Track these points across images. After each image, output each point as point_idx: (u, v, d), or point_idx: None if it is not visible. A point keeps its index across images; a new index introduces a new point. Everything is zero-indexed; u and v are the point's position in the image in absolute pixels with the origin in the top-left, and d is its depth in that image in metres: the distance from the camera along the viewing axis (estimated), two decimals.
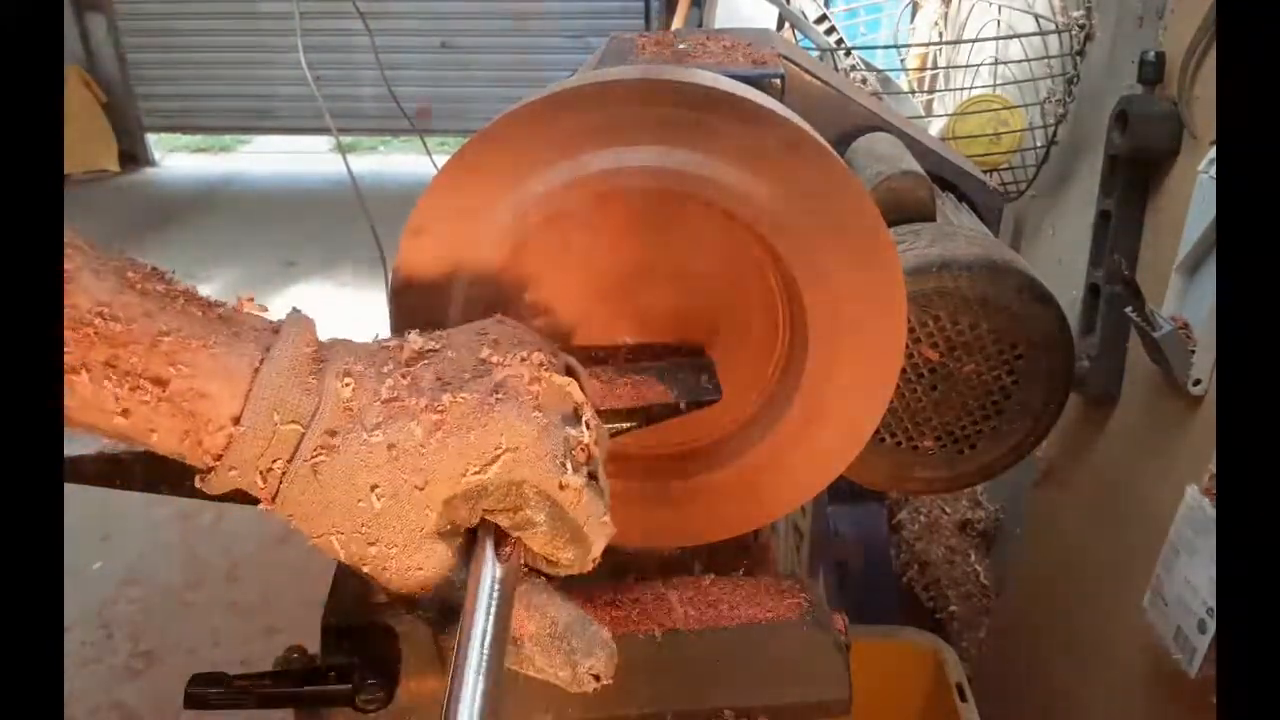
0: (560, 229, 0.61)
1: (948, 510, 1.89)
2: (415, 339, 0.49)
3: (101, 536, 2.54)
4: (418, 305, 0.60)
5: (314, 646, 0.59)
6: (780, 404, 0.64)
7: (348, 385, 0.45)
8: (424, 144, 2.14)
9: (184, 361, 0.42)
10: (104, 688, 2.10)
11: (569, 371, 0.51)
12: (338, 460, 0.44)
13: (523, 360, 0.48)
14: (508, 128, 0.57)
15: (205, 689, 0.56)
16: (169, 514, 2.62)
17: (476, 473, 0.45)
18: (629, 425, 0.57)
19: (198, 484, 0.45)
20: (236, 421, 0.43)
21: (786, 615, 0.63)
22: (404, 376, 0.47)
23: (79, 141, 5.25)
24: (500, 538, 0.47)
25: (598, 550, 0.49)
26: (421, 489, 0.45)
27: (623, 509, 0.67)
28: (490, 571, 0.46)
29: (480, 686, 0.41)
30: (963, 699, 1.15)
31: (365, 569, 0.46)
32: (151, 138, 5.86)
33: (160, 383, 0.42)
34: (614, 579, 0.74)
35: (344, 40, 4.48)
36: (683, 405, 0.59)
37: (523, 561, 0.49)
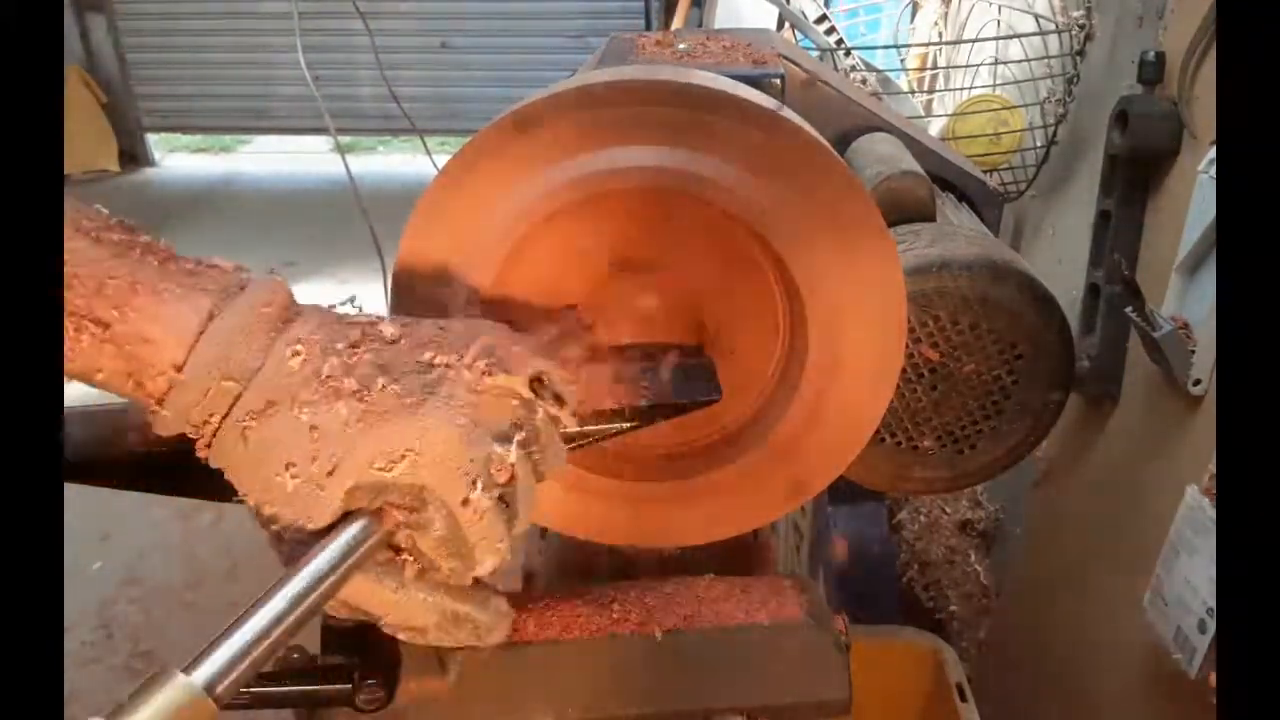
0: (561, 228, 0.61)
1: (948, 510, 1.89)
2: (378, 323, 0.49)
3: (101, 536, 2.54)
4: (418, 305, 0.60)
5: (314, 647, 0.59)
6: (780, 404, 0.64)
7: (296, 355, 0.46)
8: (424, 144, 2.14)
9: (130, 306, 0.43)
10: (104, 688, 2.10)
11: (543, 388, 0.50)
12: (264, 430, 0.45)
13: (468, 365, 0.48)
14: (507, 128, 0.57)
15: None
16: (169, 514, 2.62)
17: (381, 468, 0.44)
18: (629, 425, 0.57)
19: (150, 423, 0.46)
20: (179, 369, 0.44)
21: (787, 615, 0.63)
22: (349, 357, 0.47)
23: (79, 141, 5.24)
24: (378, 516, 0.46)
25: (484, 570, 0.48)
26: (330, 474, 0.45)
27: (622, 509, 0.67)
28: (346, 533, 0.44)
29: (270, 609, 0.41)
30: (963, 699, 1.15)
31: (267, 526, 0.47)
32: (151, 138, 5.85)
33: (103, 324, 0.43)
34: (614, 579, 0.74)
35: (344, 40, 4.48)
36: (683, 405, 0.59)
37: (396, 546, 0.48)
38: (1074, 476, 1.40)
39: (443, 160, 0.59)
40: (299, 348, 0.46)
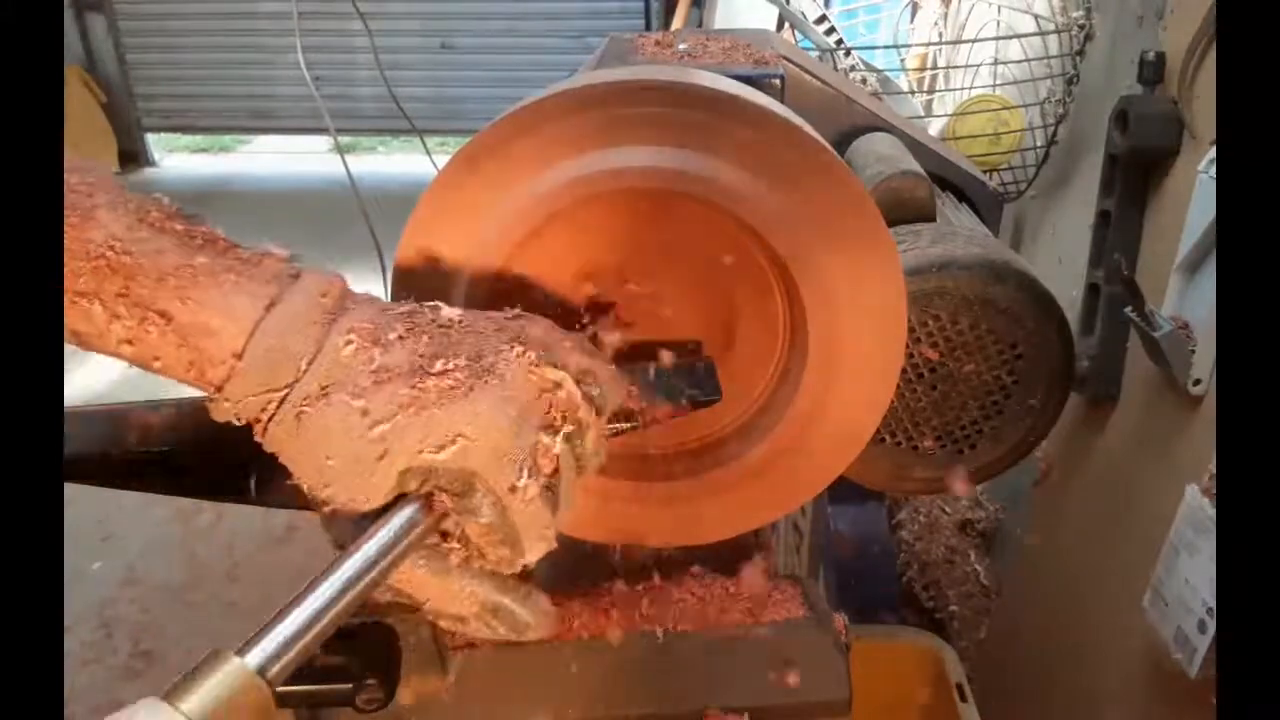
0: (561, 229, 0.61)
1: (948, 510, 1.89)
2: (433, 312, 0.50)
3: (101, 536, 2.54)
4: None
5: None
6: (780, 404, 0.64)
7: (349, 344, 0.47)
8: (424, 144, 2.14)
9: (192, 296, 0.44)
10: (104, 688, 2.10)
11: (590, 385, 0.51)
12: (318, 416, 0.46)
13: (520, 355, 0.48)
14: (508, 128, 0.57)
15: None
16: (169, 514, 2.62)
17: (431, 452, 0.45)
18: (629, 425, 0.57)
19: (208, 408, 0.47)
20: (239, 358, 0.45)
21: (787, 616, 0.63)
22: (401, 345, 0.47)
23: (79, 141, 5.24)
24: (429, 503, 0.47)
25: (531, 558, 0.49)
26: (381, 459, 0.45)
27: (623, 509, 0.67)
28: (398, 516, 0.45)
29: (323, 592, 0.41)
30: (963, 699, 1.15)
31: (322, 513, 0.47)
32: (151, 138, 5.85)
33: (166, 316, 0.44)
34: (613, 578, 0.74)
35: (343, 40, 4.48)
36: (684, 405, 0.59)
37: (444, 531, 0.48)
38: (1074, 476, 1.40)
39: (443, 160, 0.59)
40: (352, 336, 0.47)
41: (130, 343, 0.45)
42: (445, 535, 0.48)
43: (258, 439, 0.47)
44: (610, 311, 0.65)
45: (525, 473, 0.46)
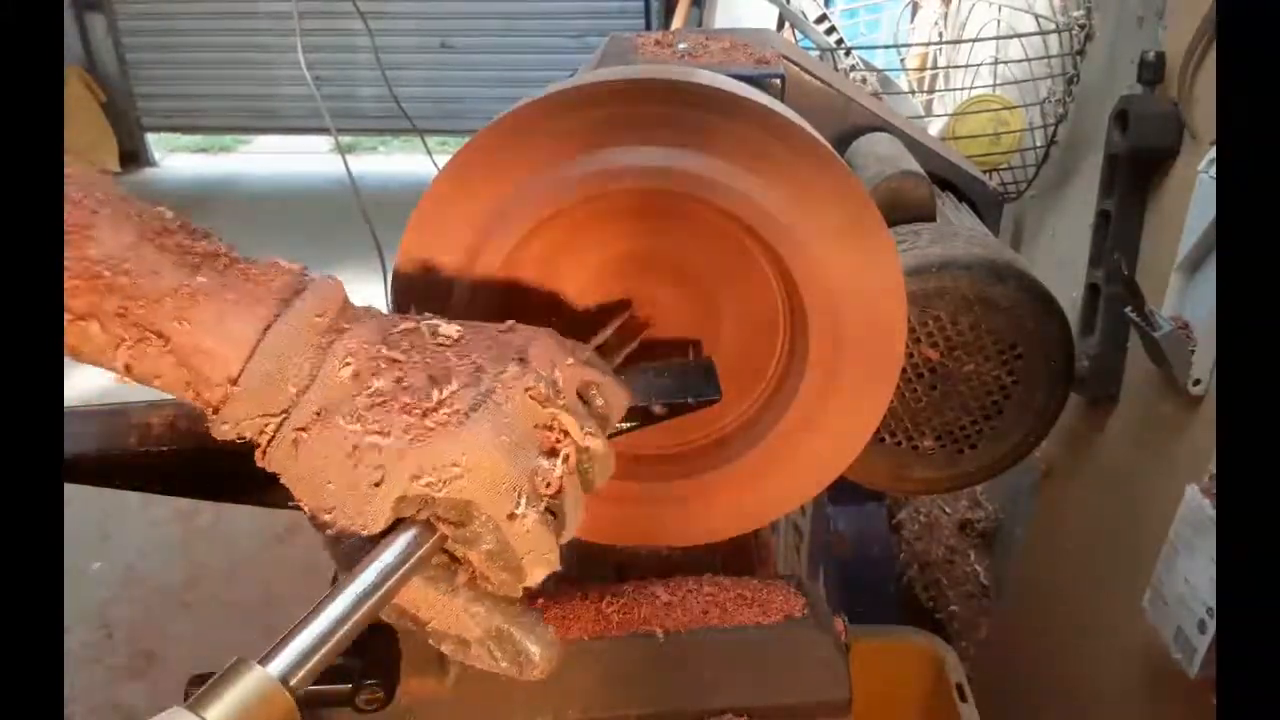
0: (562, 228, 0.61)
1: (948, 510, 1.89)
2: (436, 327, 0.50)
3: (101, 536, 2.54)
4: (418, 304, 0.60)
5: None
6: (780, 404, 0.64)
7: (347, 366, 0.46)
8: (424, 144, 2.14)
9: (189, 318, 0.44)
10: (104, 688, 2.10)
11: (593, 397, 0.51)
12: (315, 441, 0.45)
13: (516, 377, 0.48)
14: (508, 128, 0.57)
15: None
16: (169, 514, 2.62)
17: (427, 483, 0.45)
18: (628, 425, 0.57)
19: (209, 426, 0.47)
20: (235, 382, 0.45)
21: (787, 616, 0.63)
22: (398, 368, 0.47)
23: (79, 141, 5.24)
24: (427, 529, 0.46)
25: (533, 580, 0.48)
26: (378, 485, 0.45)
27: (623, 509, 0.67)
28: (400, 539, 0.45)
29: (332, 612, 0.42)
30: (963, 699, 1.15)
31: (324, 530, 0.47)
32: (151, 138, 5.85)
33: (163, 337, 0.44)
34: (615, 578, 0.74)
35: (344, 40, 4.48)
36: (684, 404, 0.59)
37: (450, 554, 0.48)
38: (1074, 476, 1.40)
39: (443, 160, 0.59)
40: (350, 360, 0.46)
41: (130, 363, 0.44)
42: (453, 556, 0.48)
43: (259, 462, 0.47)
44: (620, 313, 0.65)
45: (524, 500, 0.46)
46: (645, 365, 0.61)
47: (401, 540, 0.45)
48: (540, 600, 0.63)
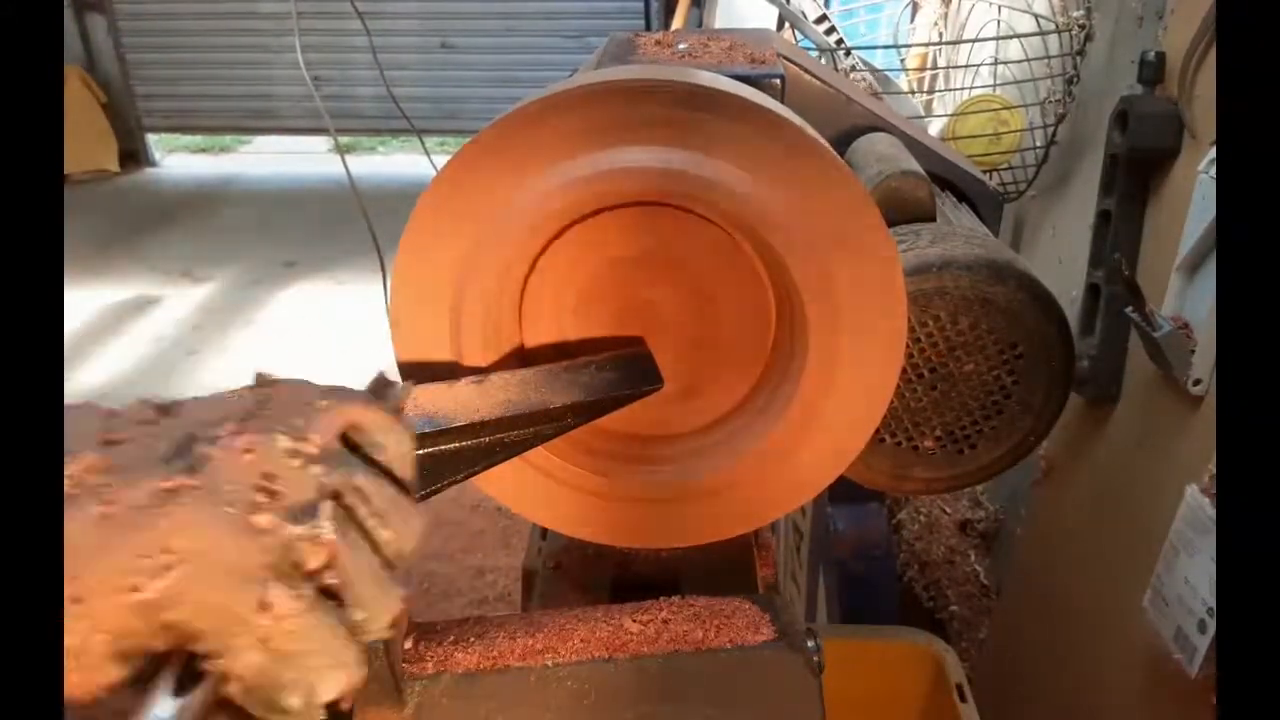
0: (560, 229, 0.61)
1: (948, 510, 1.89)
2: (141, 408, 0.40)
3: None
4: (418, 304, 0.60)
5: None
6: (780, 404, 0.64)
7: (78, 461, 0.37)
8: (423, 144, 2.14)
9: None
10: None
11: (366, 440, 0.41)
12: None
13: (235, 432, 0.38)
14: (507, 128, 0.57)
15: None
16: None
17: (135, 586, 0.34)
18: (571, 421, 0.57)
19: None
20: None
21: (757, 638, 0.61)
22: (106, 449, 0.37)
23: (79, 141, 5.24)
24: (190, 668, 0.36)
25: (335, 693, 0.37)
26: (79, 603, 0.34)
27: (621, 508, 0.67)
28: (153, 713, 0.34)
29: None
30: (963, 699, 1.15)
31: None
32: (151, 138, 5.86)
33: None
34: (614, 577, 0.74)
35: (343, 40, 4.49)
36: (623, 397, 0.58)
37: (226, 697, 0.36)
38: (1074, 476, 1.40)
39: (442, 161, 0.59)
40: (82, 455, 0.37)
41: None
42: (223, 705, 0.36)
43: None
44: (610, 310, 0.65)
45: (273, 583, 0.35)
46: (587, 359, 0.61)
47: (158, 701, 0.34)
48: (505, 628, 0.62)
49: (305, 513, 0.37)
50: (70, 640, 0.35)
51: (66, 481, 0.36)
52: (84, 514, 0.35)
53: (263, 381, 0.43)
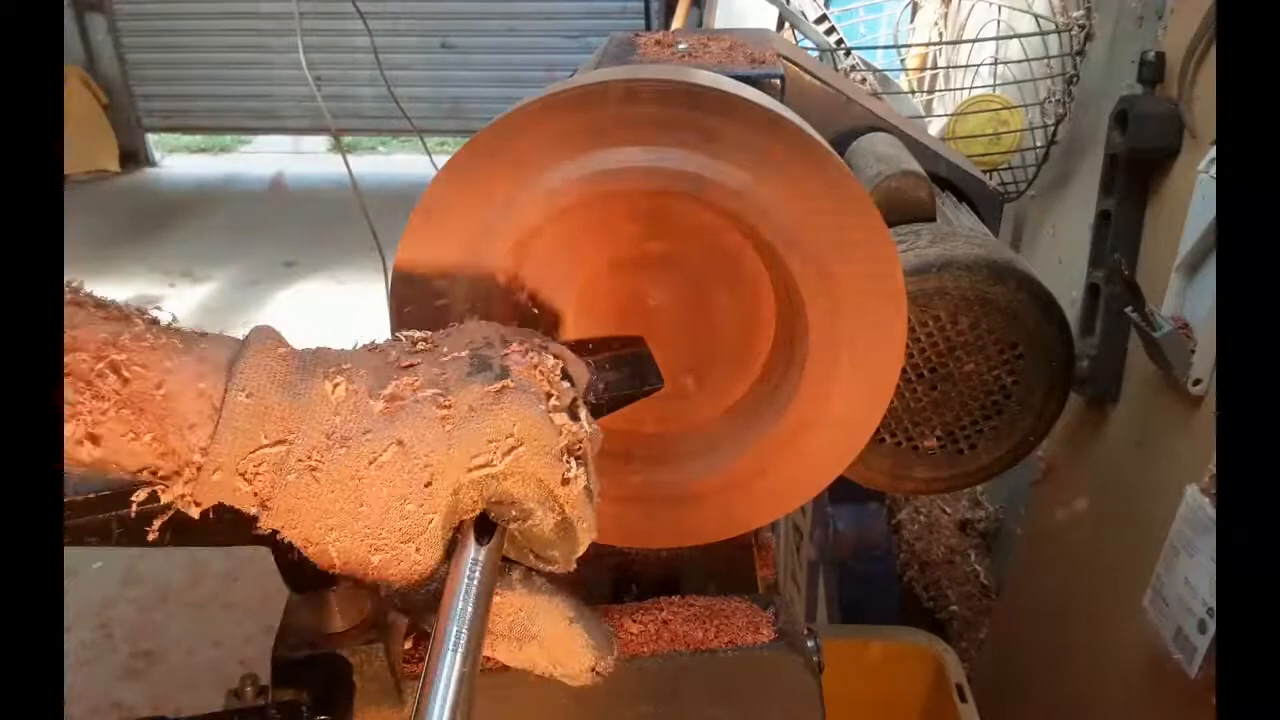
0: (561, 227, 0.61)
1: (948, 510, 1.89)
2: (408, 338, 0.48)
3: None
4: (417, 305, 0.60)
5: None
6: (781, 404, 0.64)
7: (338, 386, 0.43)
8: (424, 144, 2.14)
9: (141, 363, 0.40)
10: (104, 688, 2.11)
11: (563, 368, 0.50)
12: (338, 463, 0.42)
13: (521, 353, 0.48)
14: (507, 128, 0.57)
15: None
16: None
17: (485, 465, 0.44)
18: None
19: (179, 504, 0.42)
20: (215, 421, 0.40)
21: (758, 638, 0.61)
22: (403, 374, 0.45)
23: (79, 141, 5.25)
24: (483, 527, 0.46)
25: (582, 549, 0.48)
26: (428, 485, 0.43)
27: (623, 508, 0.67)
28: (470, 554, 0.44)
29: (457, 667, 0.41)
30: (963, 699, 1.15)
31: (367, 574, 0.45)
32: (151, 138, 5.86)
33: (123, 378, 0.39)
34: (614, 577, 0.74)
35: (344, 40, 4.49)
36: (624, 397, 0.58)
37: (504, 555, 0.48)
38: (1074, 476, 1.40)
39: (442, 160, 0.59)
40: (339, 381, 0.43)
41: (92, 434, 0.40)
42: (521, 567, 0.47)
43: (261, 525, 0.43)
44: (609, 309, 0.65)
45: (573, 463, 0.45)
46: (586, 359, 0.61)
47: (468, 559, 0.43)
48: None
49: (573, 413, 0.47)
50: (412, 524, 0.43)
51: (389, 399, 0.44)
52: (426, 417, 0.43)
53: (478, 325, 0.50)
